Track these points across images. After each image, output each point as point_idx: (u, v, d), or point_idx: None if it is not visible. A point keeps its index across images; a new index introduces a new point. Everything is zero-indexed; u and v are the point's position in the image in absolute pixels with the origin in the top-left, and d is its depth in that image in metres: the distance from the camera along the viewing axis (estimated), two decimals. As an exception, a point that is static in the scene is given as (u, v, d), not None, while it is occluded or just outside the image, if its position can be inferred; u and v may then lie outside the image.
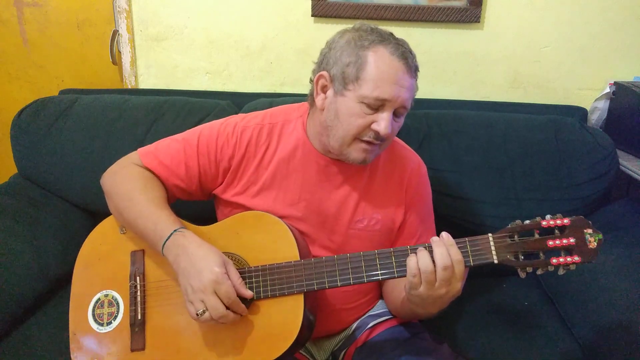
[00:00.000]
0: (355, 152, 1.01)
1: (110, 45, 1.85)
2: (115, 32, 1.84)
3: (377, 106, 0.97)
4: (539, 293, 1.50)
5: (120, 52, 1.86)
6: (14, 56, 1.97)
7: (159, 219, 0.99)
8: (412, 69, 0.98)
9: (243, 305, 0.95)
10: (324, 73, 1.01)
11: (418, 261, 0.88)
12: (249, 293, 0.95)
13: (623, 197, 1.68)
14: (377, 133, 0.98)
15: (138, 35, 1.83)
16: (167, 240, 0.96)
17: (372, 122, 0.98)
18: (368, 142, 1.00)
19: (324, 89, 1.03)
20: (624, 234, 1.42)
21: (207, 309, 0.91)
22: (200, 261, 0.92)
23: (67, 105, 1.59)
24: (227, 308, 0.92)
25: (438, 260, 0.87)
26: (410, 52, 0.99)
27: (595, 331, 1.24)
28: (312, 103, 1.07)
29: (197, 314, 0.91)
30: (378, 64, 0.95)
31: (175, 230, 0.97)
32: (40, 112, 1.58)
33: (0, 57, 1.97)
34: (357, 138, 1.00)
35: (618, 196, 1.67)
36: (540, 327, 1.35)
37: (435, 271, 0.87)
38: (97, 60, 1.94)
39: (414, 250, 0.92)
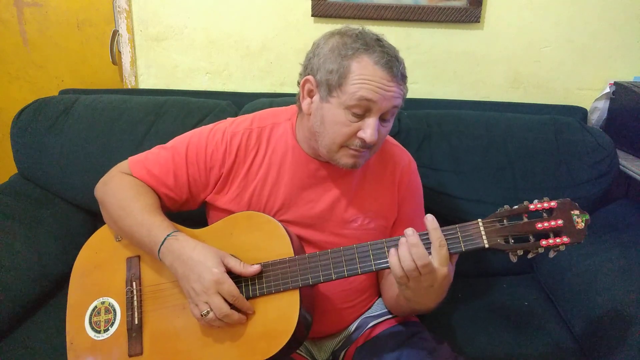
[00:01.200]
0: (345, 158, 1.00)
1: (110, 45, 1.85)
2: (115, 32, 1.84)
3: (362, 112, 0.95)
4: (539, 293, 1.50)
5: (120, 52, 1.86)
6: (14, 56, 1.97)
7: (152, 226, 0.99)
8: (398, 77, 0.95)
9: (248, 303, 0.95)
10: (310, 78, 1.00)
11: (401, 261, 0.87)
12: (254, 268, 0.95)
13: (623, 197, 1.68)
14: (363, 141, 0.96)
15: (138, 35, 1.83)
16: (161, 246, 0.97)
17: (358, 130, 0.96)
18: (356, 150, 0.99)
19: (310, 94, 1.01)
20: (624, 234, 1.42)
21: (211, 310, 0.92)
22: (197, 265, 0.93)
23: (67, 105, 1.59)
24: (232, 307, 0.93)
25: (416, 259, 0.86)
26: (397, 59, 0.96)
27: (595, 331, 1.24)
28: (300, 106, 1.06)
29: (202, 315, 0.92)
30: (361, 72, 0.93)
31: (168, 235, 0.97)
32: (40, 112, 1.58)
33: (0, 57, 1.97)
34: (344, 146, 0.99)
35: (618, 196, 1.68)
36: (540, 327, 1.35)
37: (417, 268, 0.86)
38: (97, 60, 1.94)
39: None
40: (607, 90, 1.75)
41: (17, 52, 1.96)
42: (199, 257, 0.94)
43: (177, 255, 0.95)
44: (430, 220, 0.89)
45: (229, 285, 0.92)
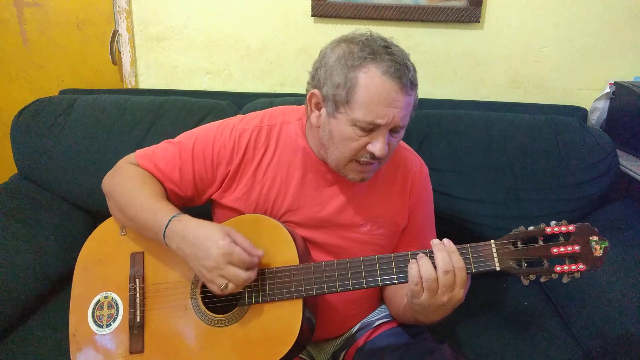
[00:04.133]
0: (353, 173, 0.99)
1: (110, 45, 1.85)
2: (115, 32, 1.84)
3: (370, 129, 0.93)
4: (539, 293, 1.50)
5: (120, 52, 1.86)
6: (14, 56, 1.97)
7: (157, 210, 0.99)
8: (407, 86, 0.91)
9: (258, 255, 0.93)
10: (316, 92, 0.97)
11: (420, 268, 0.87)
12: (259, 252, 0.93)
13: (623, 197, 1.68)
14: (372, 154, 0.95)
15: (138, 35, 1.83)
16: (166, 228, 0.96)
17: (367, 143, 0.94)
18: (365, 163, 0.97)
19: (318, 106, 0.99)
20: (624, 234, 1.42)
21: (229, 281, 0.91)
22: (203, 242, 0.92)
23: (67, 105, 1.59)
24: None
25: (439, 266, 0.86)
26: (407, 67, 0.92)
27: (595, 331, 1.24)
28: (308, 116, 1.04)
29: (221, 289, 0.91)
30: (369, 87, 0.90)
31: (172, 218, 0.96)
32: (40, 112, 1.58)
33: (0, 57, 1.97)
34: (353, 160, 0.97)
35: (618, 196, 1.67)
36: (540, 327, 1.35)
37: (437, 278, 0.86)
38: (97, 60, 1.94)
39: (414, 256, 0.90)
40: (607, 90, 1.75)
41: (17, 52, 1.96)
42: (204, 233, 0.93)
43: (182, 236, 0.94)
44: (448, 244, 0.89)
45: (238, 253, 0.90)
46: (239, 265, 0.90)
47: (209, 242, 0.91)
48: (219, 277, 0.91)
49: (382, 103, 0.90)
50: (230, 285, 0.91)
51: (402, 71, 0.91)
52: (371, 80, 0.90)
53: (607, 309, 1.24)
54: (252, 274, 0.92)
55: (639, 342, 1.12)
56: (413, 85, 0.94)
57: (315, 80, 0.98)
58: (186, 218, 0.97)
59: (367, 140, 0.94)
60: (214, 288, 0.92)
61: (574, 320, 1.33)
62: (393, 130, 0.96)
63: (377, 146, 0.93)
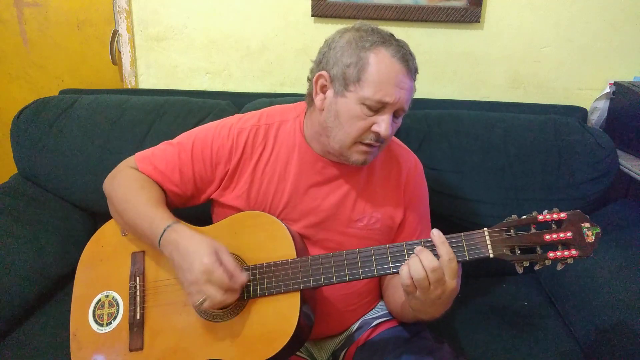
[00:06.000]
0: (356, 155, 1.02)
1: (110, 45, 1.85)
2: (115, 32, 1.84)
3: (377, 108, 0.97)
4: (539, 293, 1.50)
5: (120, 52, 1.86)
6: (14, 56, 1.97)
7: (154, 218, 1.00)
8: (412, 71, 0.99)
9: (241, 280, 0.93)
10: (324, 73, 1.01)
11: (410, 268, 0.88)
12: (242, 278, 0.93)
13: (623, 197, 1.68)
14: (377, 135, 0.98)
15: (138, 35, 1.83)
16: (161, 237, 0.97)
17: (372, 124, 0.98)
18: (368, 145, 1.00)
19: (324, 89, 1.02)
20: (624, 234, 1.42)
21: (205, 298, 0.92)
22: (190, 255, 0.93)
23: (67, 105, 1.59)
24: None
25: (426, 265, 0.87)
26: (411, 54, 0.99)
27: (595, 331, 1.24)
28: (311, 103, 1.06)
29: (197, 304, 0.92)
30: (380, 66, 0.95)
31: (167, 227, 0.97)
32: (40, 112, 1.58)
33: (0, 57, 1.97)
34: (357, 141, 1.00)
35: (618, 196, 1.68)
36: (540, 327, 1.35)
37: (427, 276, 0.87)
38: (97, 60, 1.94)
39: (409, 246, 0.93)
40: (607, 90, 1.75)
41: (17, 52, 1.96)
42: (193, 247, 0.94)
43: (175, 245, 0.95)
44: (437, 235, 0.90)
45: (219, 274, 0.91)
46: (218, 286, 0.91)
47: (194, 257, 0.92)
48: (197, 292, 0.92)
49: (391, 82, 0.95)
50: (206, 303, 0.92)
51: (408, 56, 0.98)
52: (382, 61, 0.96)
53: (606, 308, 1.24)
54: (229, 297, 0.92)
55: (638, 342, 1.12)
56: (416, 71, 1.01)
57: (322, 62, 1.02)
58: (180, 228, 0.98)
59: (372, 120, 0.98)
60: (192, 301, 0.93)
61: (573, 320, 1.33)
62: (395, 115, 1.00)
63: (382, 126, 0.97)
